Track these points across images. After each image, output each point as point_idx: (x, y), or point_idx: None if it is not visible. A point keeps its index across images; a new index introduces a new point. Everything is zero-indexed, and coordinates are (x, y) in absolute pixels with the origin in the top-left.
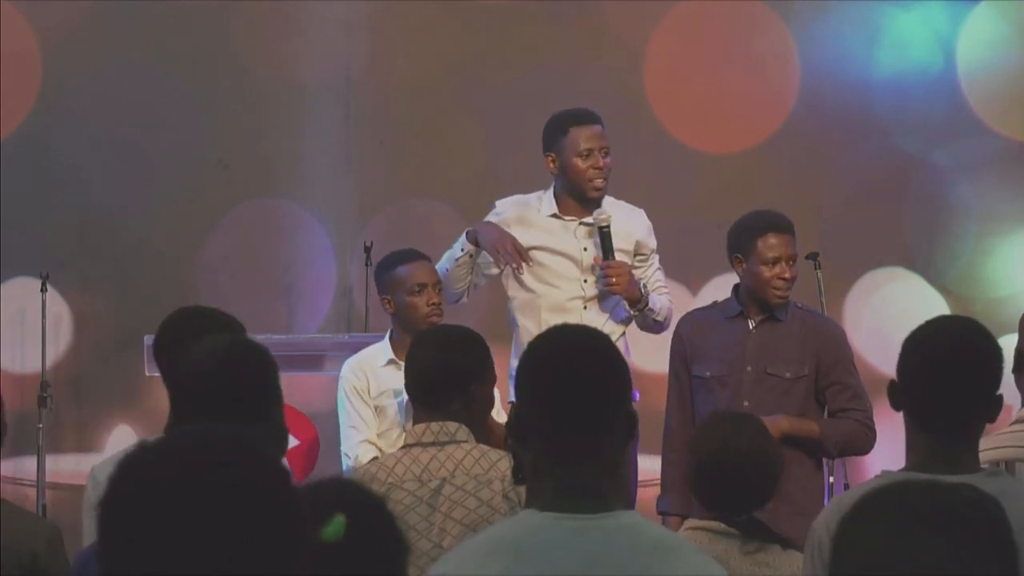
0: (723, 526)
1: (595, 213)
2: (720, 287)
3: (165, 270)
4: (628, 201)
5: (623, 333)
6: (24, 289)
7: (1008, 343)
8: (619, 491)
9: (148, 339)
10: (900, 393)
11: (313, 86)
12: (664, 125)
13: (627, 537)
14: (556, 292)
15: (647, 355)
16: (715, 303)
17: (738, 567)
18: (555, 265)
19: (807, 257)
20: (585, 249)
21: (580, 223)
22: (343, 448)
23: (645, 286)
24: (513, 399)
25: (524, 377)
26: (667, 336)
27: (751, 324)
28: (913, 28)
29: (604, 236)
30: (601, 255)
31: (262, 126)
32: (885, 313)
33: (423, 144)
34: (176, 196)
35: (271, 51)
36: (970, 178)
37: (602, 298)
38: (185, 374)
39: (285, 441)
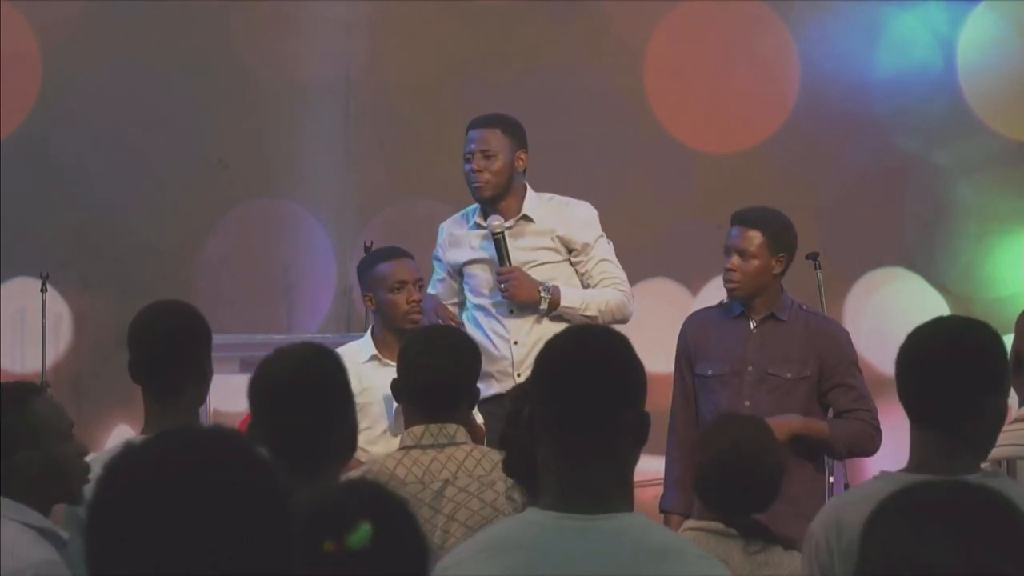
0: (723, 526)
1: (489, 220)
2: (720, 287)
3: (165, 270)
4: (626, 200)
5: None
6: (24, 289)
7: (1007, 343)
8: (625, 493)
9: None
10: (900, 394)
11: (313, 86)
12: (664, 125)
13: (629, 539)
14: (484, 300)
15: (649, 355)
16: (721, 303)
17: (739, 567)
18: (482, 273)
19: (807, 257)
20: (494, 258)
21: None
22: None
23: (547, 288)
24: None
25: (537, 376)
26: (670, 336)
27: (752, 324)
28: (913, 28)
29: (497, 243)
30: (498, 262)
31: (262, 126)
32: (885, 313)
33: (423, 144)
34: (176, 196)
35: (271, 51)
36: (970, 178)
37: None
38: (259, 382)
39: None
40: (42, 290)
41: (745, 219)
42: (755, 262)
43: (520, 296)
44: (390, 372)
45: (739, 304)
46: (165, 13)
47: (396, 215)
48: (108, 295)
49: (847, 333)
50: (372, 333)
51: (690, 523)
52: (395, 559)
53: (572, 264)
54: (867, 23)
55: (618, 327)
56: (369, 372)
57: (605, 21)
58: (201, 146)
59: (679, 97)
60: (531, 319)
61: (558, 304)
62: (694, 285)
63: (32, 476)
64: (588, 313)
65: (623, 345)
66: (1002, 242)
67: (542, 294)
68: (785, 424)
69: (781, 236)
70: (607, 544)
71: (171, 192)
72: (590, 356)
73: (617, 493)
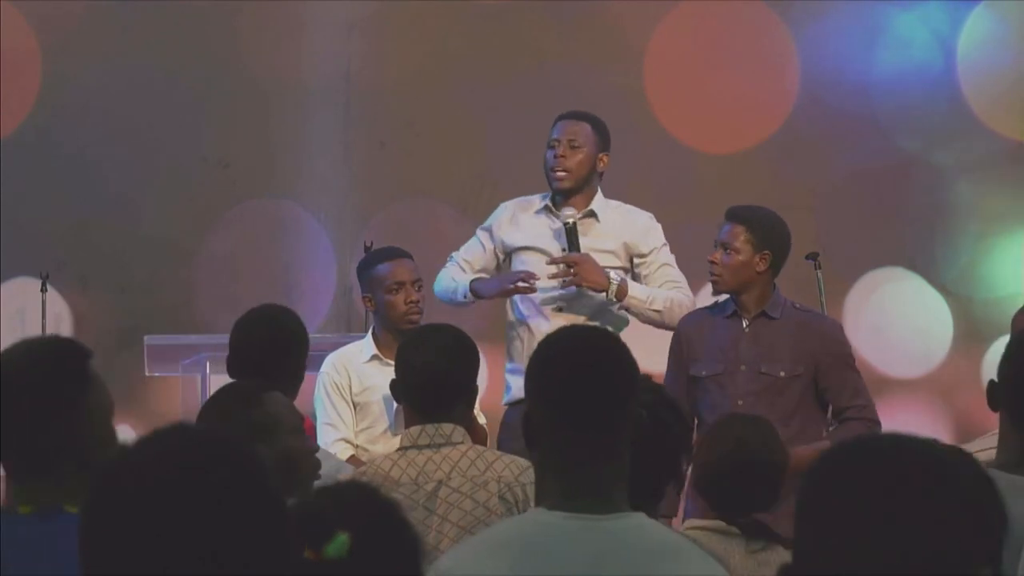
0: (724, 525)
1: (562, 211)
2: None
3: (165, 270)
4: (626, 200)
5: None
6: (24, 289)
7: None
8: (625, 492)
9: (148, 339)
10: (997, 392)
11: (313, 86)
12: (664, 125)
13: (634, 538)
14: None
15: (648, 355)
16: (716, 303)
17: (739, 566)
18: (535, 263)
19: (807, 257)
20: (564, 249)
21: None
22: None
23: (620, 276)
24: (506, 401)
25: (534, 376)
26: (667, 335)
27: (744, 323)
28: (913, 28)
29: (569, 233)
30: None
31: (262, 126)
32: (885, 313)
33: (423, 144)
34: (176, 196)
35: (271, 51)
36: (970, 178)
37: (579, 298)
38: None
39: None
40: (42, 290)
41: (733, 214)
42: (737, 257)
43: (590, 280)
44: (391, 372)
45: (731, 303)
46: (165, 12)
47: (396, 215)
48: (108, 295)
49: (840, 328)
50: (372, 333)
51: (691, 522)
52: (392, 557)
53: (633, 272)
54: (867, 23)
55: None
56: (370, 372)
57: (605, 21)
58: (201, 146)
59: (679, 97)
60: (579, 319)
61: (626, 293)
62: (694, 285)
63: None
64: (654, 307)
65: (619, 342)
66: (1002, 242)
67: (613, 279)
68: (798, 460)
69: (766, 233)
70: (614, 544)
71: (171, 192)
72: (594, 355)
73: (619, 492)
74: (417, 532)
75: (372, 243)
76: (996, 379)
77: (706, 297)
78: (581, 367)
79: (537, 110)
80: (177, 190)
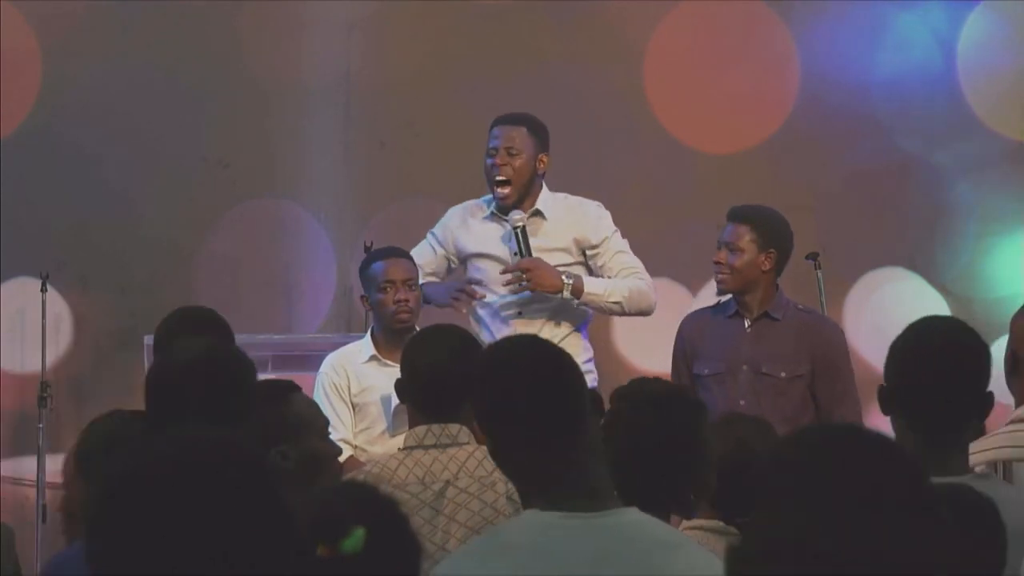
0: (722, 525)
1: (511, 214)
2: None
3: (165, 270)
4: (626, 200)
5: (575, 329)
6: (24, 289)
7: (1004, 344)
8: (611, 487)
9: (148, 339)
10: (889, 396)
11: (313, 86)
12: (664, 125)
13: (632, 534)
14: (491, 297)
15: (649, 355)
16: (719, 303)
17: None
18: (490, 269)
19: (807, 257)
20: (516, 254)
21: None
22: None
23: (571, 276)
24: None
25: (492, 396)
26: (670, 336)
27: (747, 323)
28: (913, 28)
29: (517, 237)
30: (519, 256)
31: (262, 126)
32: (885, 313)
33: (423, 144)
34: (176, 196)
35: (272, 51)
36: (970, 178)
37: (536, 300)
38: (162, 373)
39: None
40: (42, 290)
41: (736, 214)
42: (743, 256)
43: (544, 284)
44: (389, 372)
45: (733, 303)
46: (165, 12)
47: (396, 215)
48: (108, 295)
49: (841, 333)
50: (372, 333)
51: (689, 522)
52: (390, 558)
53: (587, 265)
54: (867, 23)
55: (554, 331)
56: (369, 372)
57: (605, 21)
58: (201, 146)
59: (679, 97)
60: (538, 322)
61: (581, 291)
62: (694, 285)
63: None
64: (612, 299)
65: (553, 345)
66: (1002, 242)
67: (566, 281)
68: None
69: (771, 232)
70: (612, 540)
71: (172, 192)
72: (540, 366)
73: (605, 488)
74: (415, 530)
75: (372, 243)
76: (885, 383)
77: (709, 297)
78: (538, 376)
79: (537, 110)
80: (177, 190)
